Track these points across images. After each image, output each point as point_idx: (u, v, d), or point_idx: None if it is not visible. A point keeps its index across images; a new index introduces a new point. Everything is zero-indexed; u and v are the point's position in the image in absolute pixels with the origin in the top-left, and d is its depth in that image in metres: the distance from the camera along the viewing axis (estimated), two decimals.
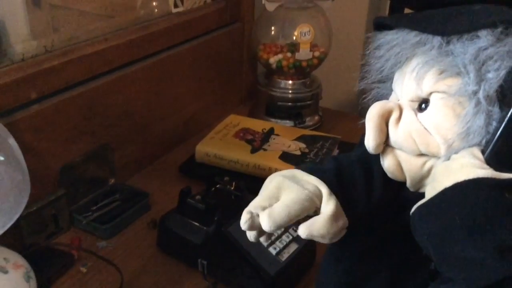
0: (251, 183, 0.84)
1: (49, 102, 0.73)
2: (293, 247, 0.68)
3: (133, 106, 0.88)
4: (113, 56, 0.82)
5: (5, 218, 0.50)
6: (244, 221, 0.47)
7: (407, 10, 1.11)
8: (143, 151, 0.92)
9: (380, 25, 0.49)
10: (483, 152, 0.42)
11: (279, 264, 0.65)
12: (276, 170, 0.84)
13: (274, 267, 0.65)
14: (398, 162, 0.47)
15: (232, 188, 0.74)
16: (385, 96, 0.51)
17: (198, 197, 0.71)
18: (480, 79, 0.41)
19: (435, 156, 0.44)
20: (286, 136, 0.95)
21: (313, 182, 0.48)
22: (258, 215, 0.47)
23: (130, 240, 0.76)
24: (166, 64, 0.93)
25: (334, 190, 0.48)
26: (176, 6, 0.96)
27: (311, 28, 1.02)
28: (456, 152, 0.43)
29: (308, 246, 0.69)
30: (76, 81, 0.77)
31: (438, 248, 0.42)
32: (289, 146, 0.91)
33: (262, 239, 0.53)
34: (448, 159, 0.43)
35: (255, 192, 0.75)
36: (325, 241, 0.47)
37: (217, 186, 0.74)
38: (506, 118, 0.40)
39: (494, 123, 0.41)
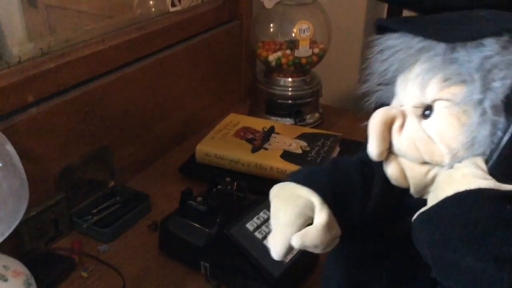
0: (253, 183, 0.84)
1: (47, 105, 0.72)
2: None
3: (132, 107, 0.87)
4: (110, 57, 0.81)
5: (4, 226, 0.49)
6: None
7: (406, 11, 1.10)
8: (143, 152, 0.91)
9: (382, 28, 0.48)
10: (487, 162, 0.41)
11: (283, 266, 0.64)
12: (277, 169, 0.85)
13: (278, 268, 0.64)
14: (402, 169, 0.46)
15: (234, 188, 0.73)
16: (388, 99, 0.50)
17: (199, 198, 0.70)
18: (486, 88, 0.40)
19: (439, 164, 0.44)
20: (287, 135, 0.94)
21: (304, 195, 0.47)
22: None
23: (131, 243, 0.75)
24: (165, 63, 0.92)
25: (328, 198, 0.47)
26: (173, 5, 0.95)
27: (310, 25, 1.01)
28: (459, 161, 0.42)
29: None
30: (73, 83, 0.76)
31: (437, 257, 0.41)
32: (290, 145, 0.91)
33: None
34: (451, 167, 0.43)
35: (256, 192, 0.75)
36: (318, 251, 0.46)
37: (219, 187, 0.73)
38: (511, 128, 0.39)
39: (499, 133, 0.40)
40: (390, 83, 0.49)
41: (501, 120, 0.40)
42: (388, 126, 0.45)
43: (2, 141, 0.55)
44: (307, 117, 1.08)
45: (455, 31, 0.42)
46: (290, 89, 1.07)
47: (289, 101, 1.07)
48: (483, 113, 0.40)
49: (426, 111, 0.44)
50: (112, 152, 0.83)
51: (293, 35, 1.03)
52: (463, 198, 0.39)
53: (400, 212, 0.49)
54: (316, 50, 1.05)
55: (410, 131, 0.45)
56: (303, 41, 1.02)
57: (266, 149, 0.89)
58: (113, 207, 0.80)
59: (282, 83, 1.07)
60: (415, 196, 0.47)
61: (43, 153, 0.72)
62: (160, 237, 0.73)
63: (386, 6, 1.17)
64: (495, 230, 0.38)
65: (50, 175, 0.74)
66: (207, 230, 0.67)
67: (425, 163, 0.44)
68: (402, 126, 0.45)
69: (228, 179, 0.74)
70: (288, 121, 1.07)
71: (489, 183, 0.39)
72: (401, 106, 0.47)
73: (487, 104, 0.40)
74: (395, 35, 0.46)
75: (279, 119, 1.07)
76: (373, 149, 0.45)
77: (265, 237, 0.66)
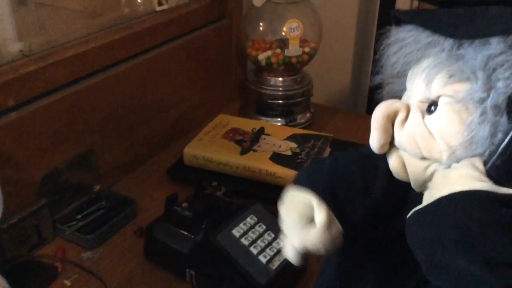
0: (242, 186, 0.82)
1: (28, 108, 0.70)
2: None
3: (117, 109, 0.85)
4: (94, 58, 0.79)
5: None
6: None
7: (397, 4, 1.09)
8: (130, 156, 0.89)
9: (397, 19, 0.47)
10: (485, 163, 0.40)
11: (270, 273, 0.63)
12: (266, 171, 0.83)
13: (265, 276, 0.62)
14: (403, 163, 0.46)
15: (221, 193, 0.71)
16: (400, 92, 0.49)
17: (184, 204, 0.68)
18: (490, 86, 0.39)
19: (438, 161, 0.43)
20: (276, 136, 0.92)
21: (303, 197, 0.48)
22: None
23: (116, 249, 0.73)
24: (151, 64, 0.90)
25: (326, 196, 0.48)
26: (160, 4, 0.93)
27: (300, 24, 0.99)
28: (457, 161, 0.41)
29: None
30: (55, 86, 0.74)
31: (428, 256, 0.41)
32: (280, 146, 0.89)
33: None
34: (449, 167, 0.42)
35: (246, 196, 0.74)
36: (321, 252, 0.47)
37: (205, 191, 0.72)
38: None
39: (500, 135, 0.39)
40: (401, 76, 0.49)
41: (503, 121, 0.39)
42: (390, 119, 0.45)
43: None
44: (298, 117, 1.06)
45: (462, 27, 0.42)
46: (280, 88, 1.05)
47: (280, 101, 1.05)
48: (484, 112, 0.39)
49: (431, 106, 0.43)
50: (97, 156, 0.81)
51: (283, 33, 1.01)
52: (458, 199, 0.39)
53: (401, 208, 0.49)
54: (306, 49, 1.03)
55: (411, 126, 0.44)
56: (293, 40, 1.00)
57: (255, 151, 0.87)
58: (98, 212, 0.78)
59: (272, 82, 1.06)
60: (416, 190, 0.46)
61: (24, 158, 0.71)
62: (145, 243, 0.71)
63: (378, 2, 1.15)
64: (488, 234, 0.37)
65: (32, 180, 0.72)
66: (193, 236, 0.65)
67: (424, 158, 0.44)
68: (405, 119, 0.45)
69: (214, 183, 0.72)
70: (279, 121, 1.05)
71: (485, 185, 0.38)
72: (409, 100, 0.47)
73: (488, 103, 0.39)
74: (408, 27, 0.46)
75: (270, 119, 1.05)
76: (374, 141, 0.46)
77: (252, 243, 0.65)
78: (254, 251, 0.64)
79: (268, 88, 1.05)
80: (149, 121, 0.92)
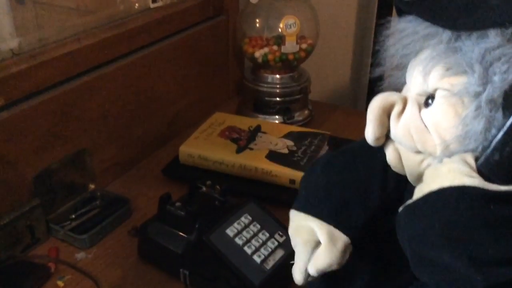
0: (237, 185, 0.81)
1: (19, 108, 0.69)
2: (279, 253, 0.64)
3: (111, 108, 0.84)
4: (87, 56, 0.78)
5: None
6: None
7: None
8: (125, 155, 0.88)
9: (398, 9, 0.47)
10: (476, 159, 0.39)
11: (264, 273, 0.62)
12: (262, 170, 0.82)
13: (259, 276, 0.61)
14: (400, 156, 0.46)
15: (216, 192, 0.70)
16: (400, 85, 0.49)
17: (178, 203, 0.67)
18: (486, 80, 0.39)
19: (432, 155, 0.43)
20: (273, 134, 0.91)
21: (304, 223, 0.50)
22: None
23: (110, 249, 0.73)
24: (146, 62, 0.89)
25: (325, 216, 0.49)
26: (154, 1, 0.92)
27: (296, 20, 0.98)
28: (450, 156, 0.41)
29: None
30: (47, 85, 0.73)
31: (416, 251, 0.41)
32: (276, 144, 0.88)
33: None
34: (441, 161, 0.41)
35: (241, 195, 0.73)
36: (336, 267, 0.49)
37: (199, 190, 0.71)
38: (506, 127, 0.37)
39: (494, 130, 0.38)
40: (401, 69, 0.48)
41: (497, 116, 0.38)
42: (386, 112, 0.45)
43: None
44: (296, 114, 1.05)
45: (460, 19, 0.41)
46: (278, 86, 1.04)
47: (277, 99, 1.04)
48: (479, 107, 0.39)
49: (429, 99, 0.43)
50: (91, 155, 0.80)
51: (280, 30, 1.00)
52: (446, 194, 0.39)
53: (397, 203, 0.48)
54: (303, 46, 1.02)
55: (407, 118, 0.44)
56: (290, 37, 0.99)
57: (251, 149, 0.86)
58: (93, 212, 0.78)
59: (269, 80, 1.04)
60: (413, 184, 0.46)
61: (16, 157, 0.70)
62: (139, 243, 0.70)
63: None
64: (475, 230, 0.37)
65: (24, 180, 0.71)
66: (186, 236, 0.65)
67: (419, 152, 0.43)
68: (401, 112, 0.45)
69: (208, 182, 0.71)
70: (277, 119, 1.04)
71: (474, 181, 0.38)
72: (407, 93, 0.46)
73: (483, 98, 0.39)
74: (407, 18, 0.45)
75: (267, 117, 1.04)
76: (370, 134, 0.45)
77: (246, 242, 0.64)
78: (248, 250, 0.63)
79: (265, 85, 1.04)
80: (144, 120, 0.92)
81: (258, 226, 0.66)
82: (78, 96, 0.77)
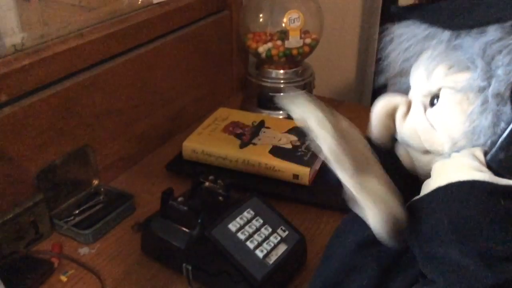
0: (241, 180, 0.81)
1: (22, 103, 0.69)
2: (282, 248, 0.64)
3: (115, 104, 0.84)
4: (90, 52, 0.78)
5: None
6: None
7: None
8: (128, 150, 0.88)
9: (397, 15, 0.47)
10: (486, 153, 0.39)
11: (266, 268, 0.61)
12: (266, 165, 0.82)
13: (261, 271, 0.61)
14: (411, 157, 0.46)
15: (218, 187, 0.70)
16: (405, 90, 0.48)
17: (180, 199, 0.67)
18: (490, 75, 0.38)
19: (440, 154, 0.42)
20: (277, 129, 0.91)
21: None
22: None
23: (113, 244, 0.73)
24: (149, 57, 0.89)
25: None
26: None
27: (300, 14, 0.97)
28: (458, 151, 0.41)
29: (298, 247, 0.65)
30: (50, 80, 0.73)
31: (424, 248, 0.40)
32: (280, 140, 0.87)
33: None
34: (449, 156, 0.41)
35: (244, 190, 0.73)
36: None
37: (202, 185, 0.71)
38: None
39: (503, 124, 0.38)
40: (403, 75, 0.48)
41: (506, 109, 0.38)
42: (390, 114, 0.45)
43: None
44: None
45: (459, 18, 0.41)
46: (282, 81, 1.04)
47: (281, 94, 1.03)
48: (485, 101, 0.39)
49: (434, 99, 0.43)
50: (95, 151, 0.80)
51: (283, 25, 1.00)
52: (456, 189, 0.38)
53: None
54: (307, 40, 1.02)
55: (413, 119, 0.44)
56: (293, 31, 0.98)
57: (255, 144, 0.86)
58: (96, 207, 0.78)
59: (273, 75, 1.04)
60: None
61: (19, 153, 0.70)
62: (142, 238, 0.71)
63: None
64: (486, 226, 0.37)
65: (28, 176, 0.72)
66: (189, 231, 0.65)
67: (428, 152, 0.43)
68: (405, 114, 0.44)
69: (211, 177, 0.71)
70: (281, 114, 1.04)
71: (484, 175, 0.38)
72: (411, 95, 0.46)
73: (489, 92, 0.38)
74: (406, 23, 0.46)
75: (271, 112, 1.04)
76: (373, 137, 0.45)
77: (248, 237, 0.64)
78: (251, 245, 0.63)
79: (269, 80, 1.04)
80: (148, 116, 0.91)
81: (261, 221, 0.66)
82: (81, 91, 0.77)
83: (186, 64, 0.98)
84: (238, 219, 0.65)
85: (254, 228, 0.65)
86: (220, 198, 0.69)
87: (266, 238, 0.64)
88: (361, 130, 0.47)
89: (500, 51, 0.38)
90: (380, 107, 0.45)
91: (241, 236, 0.63)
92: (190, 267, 0.64)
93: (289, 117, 1.03)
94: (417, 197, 0.42)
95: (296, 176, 0.80)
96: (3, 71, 0.66)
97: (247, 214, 0.66)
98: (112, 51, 0.82)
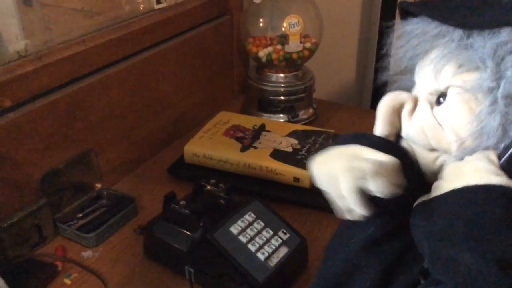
0: (242, 183, 0.82)
1: (25, 109, 0.70)
2: (283, 251, 0.65)
3: (117, 108, 0.85)
4: (92, 57, 0.79)
5: None
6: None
7: None
8: (131, 154, 0.89)
9: (404, 11, 0.47)
10: (499, 157, 0.39)
11: (268, 270, 0.62)
12: (266, 168, 0.83)
13: (263, 273, 0.62)
14: (414, 154, 0.45)
15: (220, 190, 0.71)
16: (408, 89, 0.48)
17: (182, 202, 0.68)
18: (500, 76, 0.38)
19: (447, 152, 0.42)
20: (277, 132, 0.92)
21: (349, 150, 0.44)
22: None
23: (116, 247, 0.74)
24: (151, 63, 0.90)
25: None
26: (158, 2, 0.93)
27: (300, 19, 0.98)
28: (468, 153, 0.40)
29: (299, 250, 0.66)
30: (53, 86, 0.74)
31: (435, 249, 0.40)
32: (281, 143, 0.88)
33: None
34: (462, 159, 0.41)
35: (244, 193, 0.73)
36: (380, 187, 0.42)
37: (204, 189, 0.71)
38: None
39: None
40: (407, 73, 0.48)
41: None
42: (396, 111, 0.45)
43: None
44: (301, 113, 1.06)
45: (473, 17, 0.41)
46: (282, 85, 1.04)
47: (282, 97, 1.04)
48: (494, 102, 0.39)
49: (440, 98, 0.43)
50: (98, 155, 0.81)
51: (283, 29, 1.00)
52: (472, 192, 0.38)
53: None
54: (307, 45, 1.02)
55: (419, 117, 0.44)
56: (293, 36, 0.99)
57: (255, 147, 0.87)
58: (99, 211, 0.78)
59: (274, 79, 1.05)
60: (429, 181, 0.45)
61: (23, 158, 0.71)
62: (144, 241, 0.71)
63: None
64: (502, 231, 0.36)
65: (32, 180, 0.72)
66: (191, 234, 0.65)
67: (433, 149, 0.43)
68: (412, 111, 0.44)
69: (213, 181, 0.72)
70: (282, 117, 1.05)
71: (501, 179, 0.37)
72: (417, 92, 0.46)
73: (498, 93, 0.38)
74: (415, 20, 0.45)
75: (272, 116, 1.05)
76: (378, 132, 0.45)
77: (250, 240, 0.64)
78: (252, 248, 0.64)
79: (270, 84, 1.05)
80: (150, 120, 0.92)
81: (262, 224, 0.67)
82: (84, 97, 0.78)
83: (187, 68, 0.99)
84: (239, 222, 0.66)
85: (256, 231, 0.66)
86: (222, 201, 0.70)
87: (268, 241, 0.65)
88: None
89: (510, 52, 0.38)
90: (386, 104, 0.45)
91: (242, 239, 0.64)
92: (192, 270, 0.65)
93: (289, 121, 1.04)
94: (426, 197, 0.42)
95: (297, 179, 0.81)
96: (7, 77, 0.67)
97: (249, 217, 0.67)
98: (114, 56, 0.83)
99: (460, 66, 0.41)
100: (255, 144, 0.88)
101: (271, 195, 0.80)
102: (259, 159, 0.84)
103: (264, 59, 1.03)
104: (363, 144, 0.43)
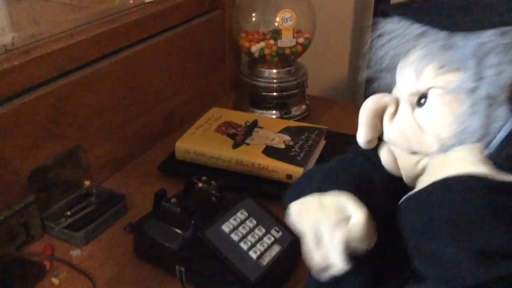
0: (234, 180, 0.81)
1: (12, 104, 0.69)
2: (275, 249, 0.64)
3: (106, 104, 0.83)
4: (81, 52, 0.77)
5: None
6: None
7: None
8: (120, 151, 0.88)
9: (385, 12, 0.46)
10: (484, 148, 0.38)
11: (260, 269, 0.61)
12: (259, 165, 0.81)
13: (255, 272, 0.61)
14: (394, 158, 0.45)
15: (212, 188, 0.70)
16: (392, 86, 0.48)
17: (173, 199, 0.67)
18: (480, 76, 0.38)
19: (428, 155, 0.42)
20: (270, 129, 0.90)
21: (332, 203, 0.44)
22: None
23: (105, 246, 0.72)
24: (141, 57, 0.88)
25: (354, 192, 0.45)
26: None
27: (293, 14, 0.97)
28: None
29: (291, 248, 0.65)
30: (40, 81, 0.72)
31: (418, 242, 0.40)
32: (273, 139, 0.87)
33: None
34: (445, 152, 0.40)
35: (237, 190, 0.72)
36: (365, 245, 0.43)
37: (195, 186, 0.70)
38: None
39: (501, 122, 0.37)
40: (389, 70, 0.48)
41: (499, 112, 0.38)
42: (379, 114, 0.44)
43: None
44: (293, 109, 1.05)
45: (457, 19, 0.40)
46: (274, 81, 1.03)
47: (274, 93, 1.03)
48: (475, 103, 0.38)
49: (421, 99, 0.42)
50: (86, 151, 0.80)
51: (276, 24, 0.99)
52: (454, 183, 0.37)
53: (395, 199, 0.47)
54: (300, 40, 1.01)
55: (401, 120, 0.43)
56: (286, 31, 0.98)
57: (248, 144, 0.86)
58: (88, 209, 0.77)
59: (266, 74, 1.04)
60: (409, 185, 0.45)
61: (9, 154, 0.69)
62: (134, 240, 0.70)
63: None
64: (482, 222, 0.36)
65: (19, 177, 0.71)
66: (182, 232, 0.64)
67: (415, 153, 0.43)
68: (394, 114, 0.44)
69: (205, 178, 0.71)
70: (274, 114, 1.04)
71: (484, 169, 0.37)
72: (398, 93, 0.45)
73: (480, 93, 0.38)
74: (396, 19, 0.44)
75: (264, 112, 1.04)
76: (361, 136, 0.45)
77: (242, 238, 0.63)
78: (244, 246, 0.63)
79: (262, 80, 1.03)
80: (140, 116, 0.91)
81: (254, 222, 0.66)
82: (72, 92, 0.76)
83: (178, 63, 0.98)
84: (231, 220, 0.65)
85: (248, 229, 0.65)
86: (213, 198, 0.69)
87: (260, 239, 0.64)
88: (353, 129, 0.47)
89: (490, 52, 0.38)
90: (368, 107, 0.44)
91: (234, 237, 0.63)
92: (183, 269, 0.64)
93: (281, 117, 1.03)
94: (413, 191, 0.42)
95: (289, 176, 0.80)
96: None
97: (241, 215, 0.66)
98: (103, 50, 0.82)
99: (441, 67, 0.40)
100: (247, 141, 0.87)
101: (263, 192, 0.79)
102: (251, 156, 0.82)
103: (256, 54, 1.01)
104: (336, 188, 0.44)
